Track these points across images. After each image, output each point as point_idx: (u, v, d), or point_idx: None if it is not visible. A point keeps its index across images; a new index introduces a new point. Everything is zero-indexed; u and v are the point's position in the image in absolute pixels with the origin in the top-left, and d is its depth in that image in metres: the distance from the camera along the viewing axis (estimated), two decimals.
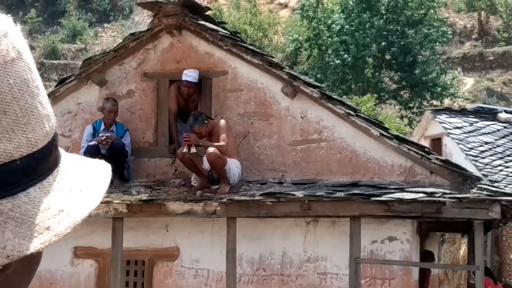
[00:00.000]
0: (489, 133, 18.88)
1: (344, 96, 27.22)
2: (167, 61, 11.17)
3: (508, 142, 18.62)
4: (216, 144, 10.12)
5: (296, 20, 39.95)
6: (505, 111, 20.18)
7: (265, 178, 10.60)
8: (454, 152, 17.62)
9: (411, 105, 35.34)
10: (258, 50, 11.52)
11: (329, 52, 35.20)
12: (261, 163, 10.73)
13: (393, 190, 9.88)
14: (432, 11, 35.86)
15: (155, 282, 10.91)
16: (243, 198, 9.95)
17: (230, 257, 10.01)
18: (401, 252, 10.32)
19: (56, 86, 11.60)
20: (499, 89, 38.66)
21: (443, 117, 19.08)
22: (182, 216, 10.19)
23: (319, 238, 10.47)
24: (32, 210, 0.90)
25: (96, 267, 11.04)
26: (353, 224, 9.80)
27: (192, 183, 10.57)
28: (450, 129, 18.54)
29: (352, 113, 10.49)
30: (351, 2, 35.03)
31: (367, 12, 34.30)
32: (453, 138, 18.20)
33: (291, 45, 38.32)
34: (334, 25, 35.02)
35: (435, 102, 34.15)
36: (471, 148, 17.92)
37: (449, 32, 37.08)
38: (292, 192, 9.85)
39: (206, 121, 10.24)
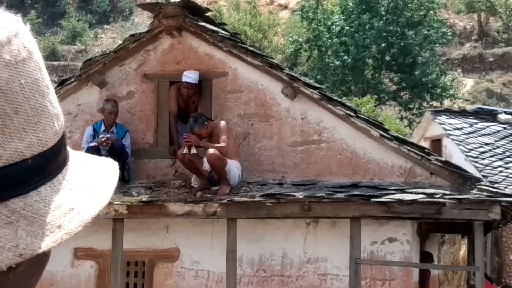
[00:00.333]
0: (489, 134, 18.87)
1: (344, 97, 27.20)
2: (167, 62, 11.17)
3: (508, 143, 18.60)
4: (216, 145, 10.12)
5: (296, 21, 39.91)
6: (505, 112, 20.16)
7: (265, 179, 10.60)
8: (454, 153, 17.61)
9: (411, 106, 35.29)
10: (258, 51, 11.52)
11: (329, 53, 35.16)
12: (261, 164, 10.73)
13: (393, 191, 9.87)
14: (432, 12, 35.82)
15: (155, 283, 10.90)
16: (243, 199, 9.95)
17: (230, 258, 10.01)
18: (401, 253, 10.32)
19: (56, 87, 11.58)
20: (499, 90, 38.62)
21: (443, 118, 19.07)
22: (182, 217, 10.19)
23: (319, 239, 10.46)
24: (43, 208, 0.91)
25: (96, 268, 11.04)
26: (353, 225, 9.80)
27: (192, 184, 10.57)
28: (450, 130, 18.53)
29: (352, 114, 10.49)
30: (351, 3, 34.98)
31: (367, 13, 34.26)
32: (453, 139, 18.18)
33: (291, 46, 38.28)
34: (334, 26, 34.98)
35: (435, 103, 34.10)
36: (471, 149, 17.90)
37: (449, 33, 37.04)
38: (292, 193, 9.85)
39: (206, 122, 10.24)
